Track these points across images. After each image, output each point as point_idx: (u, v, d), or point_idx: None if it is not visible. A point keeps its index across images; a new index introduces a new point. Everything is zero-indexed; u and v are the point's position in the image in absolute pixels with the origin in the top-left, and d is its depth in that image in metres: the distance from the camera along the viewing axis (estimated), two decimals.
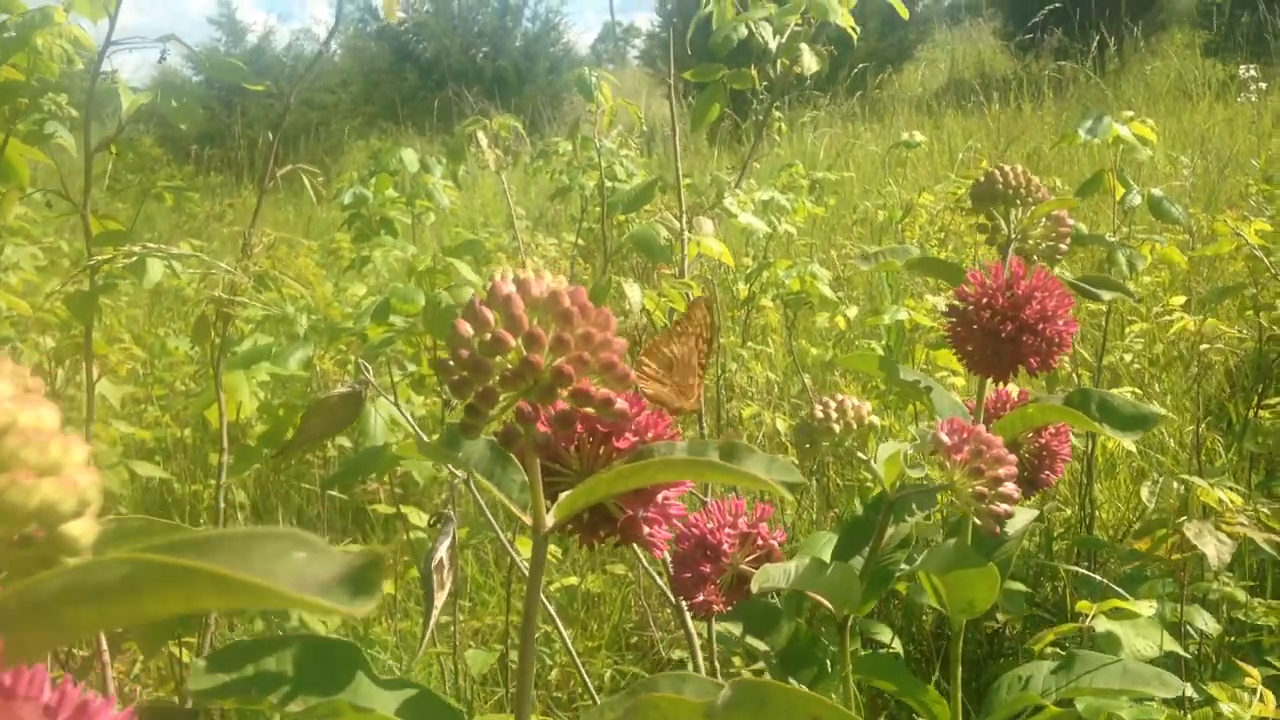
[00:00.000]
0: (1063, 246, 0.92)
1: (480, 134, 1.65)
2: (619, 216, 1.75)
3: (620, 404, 0.46)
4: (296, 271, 4.49)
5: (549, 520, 0.50)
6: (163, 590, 0.22)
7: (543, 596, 1.56)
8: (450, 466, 0.95)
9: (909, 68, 11.71)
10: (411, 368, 1.70)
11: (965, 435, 0.76)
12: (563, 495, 0.53)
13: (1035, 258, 0.95)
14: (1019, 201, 0.90)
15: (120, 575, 0.21)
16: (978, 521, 0.76)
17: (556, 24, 12.91)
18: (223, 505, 1.38)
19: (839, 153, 6.30)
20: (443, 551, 0.81)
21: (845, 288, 4.24)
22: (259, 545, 0.23)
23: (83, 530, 0.25)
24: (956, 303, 0.88)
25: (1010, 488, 0.75)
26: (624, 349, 0.46)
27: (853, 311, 2.84)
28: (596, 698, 1.43)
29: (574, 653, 1.31)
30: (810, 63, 1.68)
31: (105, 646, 1.41)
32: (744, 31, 1.81)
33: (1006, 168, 0.90)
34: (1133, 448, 1.96)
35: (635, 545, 0.58)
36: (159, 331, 3.60)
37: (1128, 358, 2.93)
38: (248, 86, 1.39)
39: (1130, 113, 2.51)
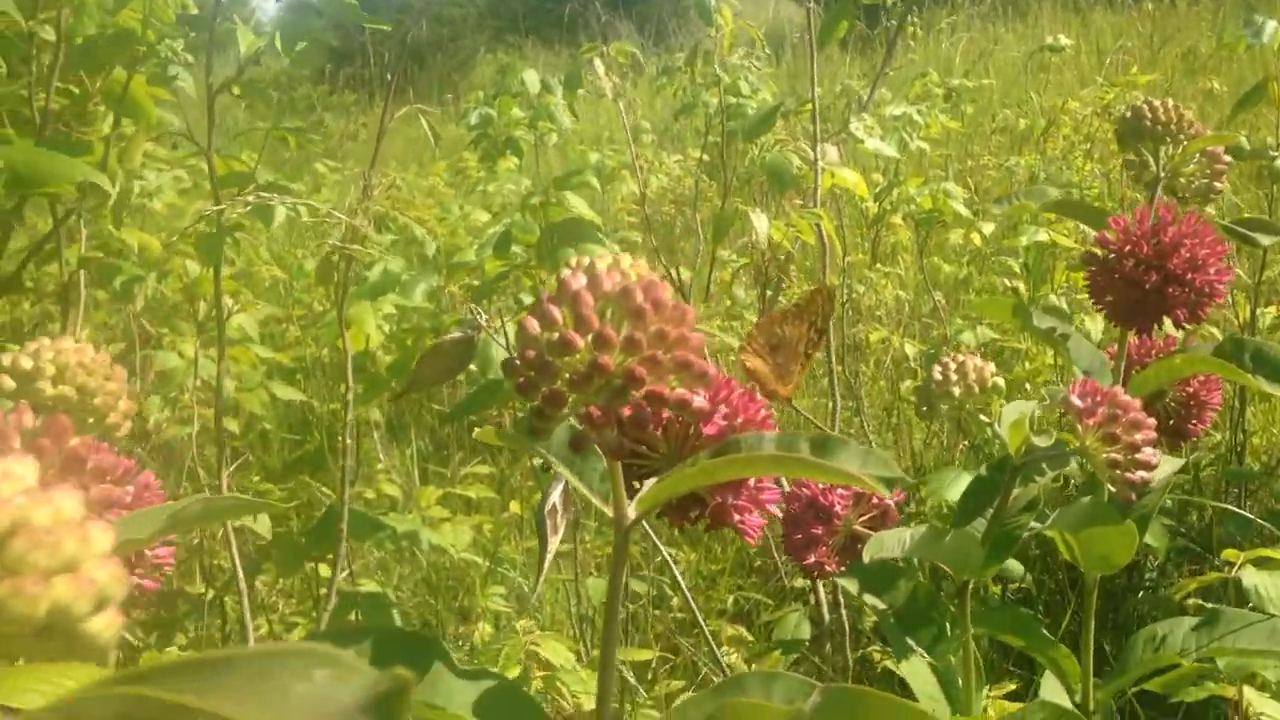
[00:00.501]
0: (1218, 185, 0.84)
1: (597, 61, 1.61)
2: (741, 142, 1.69)
3: (698, 402, 0.43)
4: (430, 188, 4.55)
5: (631, 512, 0.48)
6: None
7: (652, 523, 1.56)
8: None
9: None
10: (528, 299, 1.70)
11: (1099, 397, 0.70)
12: (647, 484, 0.50)
13: (1187, 197, 0.87)
14: (1169, 138, 0.82)
15: (112, 714, 0.20)
16: (1112, 489, 0.70)
17: None
18: (350, 441, 1.41)
19: (977, 57, 6.00)
20: (555, 496, 0.80)
21: (982, 200, 4.07)
22: (278, 664, 0.21)
23: (103, 626, 0.23)
24: (1096, 250, 0.82)
25: (1148, 453, 0.69)
26: (701, 344, 0.43)
27: (989, 228, 2.71)
28: (706, 629, 1.42)
29: (687, 591, 1.31)
30: None
31: (241, 569, 1.47)
32: None
33: (1155, 102, 0.82)
34: None
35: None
36: (298, 253, 3.70)
37: None
38: (368, 25, 1.38)
39: None
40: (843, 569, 0.79)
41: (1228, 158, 0.84)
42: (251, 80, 1.35)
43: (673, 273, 1.60)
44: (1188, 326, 0.80)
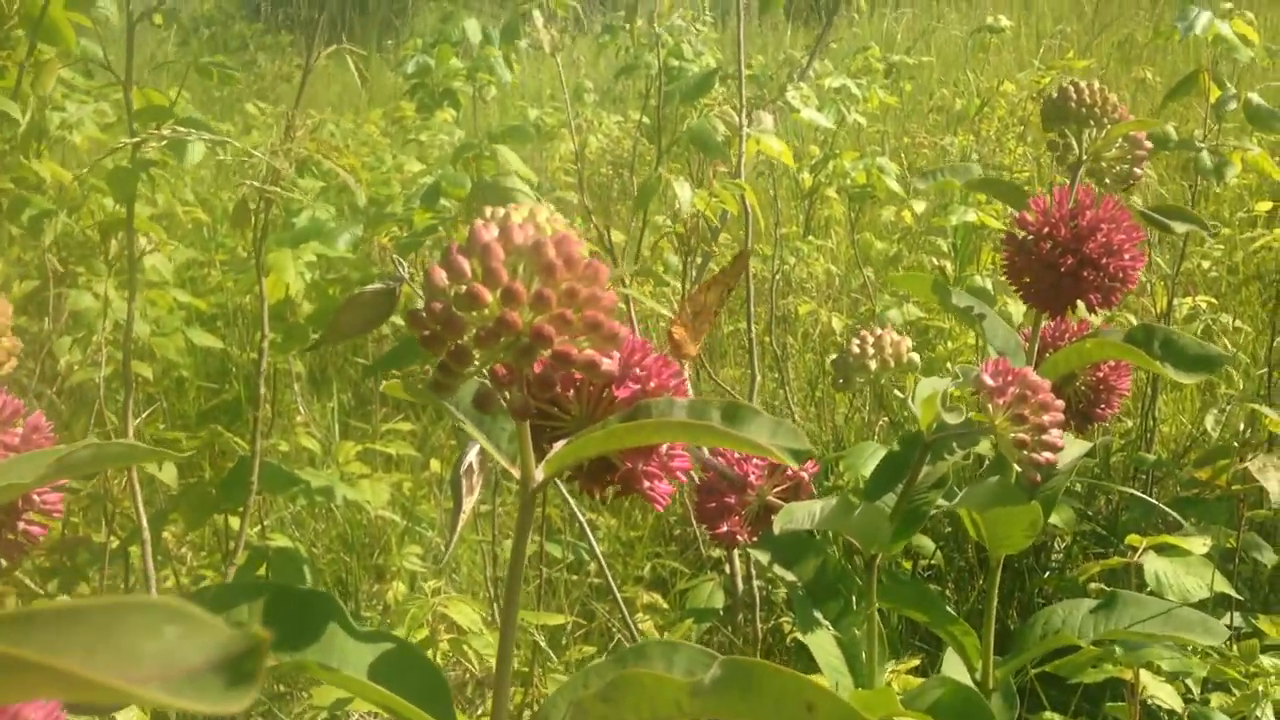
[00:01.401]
0: (1138, 170, 0.85)
1: (535, 13, 1.58)
2: (678, 105, 1.67)
3: (608, 364, 0.42)
4: (365, 137, 4.46)
5: (538, 474, 0.47)
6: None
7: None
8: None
9: None
10: None
11: (1010, 377, 0.71)
12: (557, 445, 0.49)
13: (1108, 181, 0.87)
14: (1093, 121, 0.82)
15: None
16: (1019, 469, 0.71)
17: None
18: (264, 390, 1.38)
19: (920, 34, 6.04)
20: (472, 456, 0.79)
21: (915, 179, 4.10)
22: (126, 619, 0.20)
23: None
24: (1016, 230, 0.82)
25: (1055, 435, 0.70)
26: (613, 304, 0.42)
27: (920, 206, 2.73)
28: (619, 598, 1.43)
29: (603, 559, 1.31)
30: None
31: (145, 523, 1.43)
32: None
33: (1082, 83, 0.83)
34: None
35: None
36: (223, 195, 3.61)
37: (1205, 264, 2.81)
38: None
39: (1229, 4, 2.34)
40: (754, 539, 0.79)
41: (1149, 144, 0.85)
42: (173, 10, 1.30)
43: (605, 233, 1.59)
44: (1101, 311, 0.81)
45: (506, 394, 0.41)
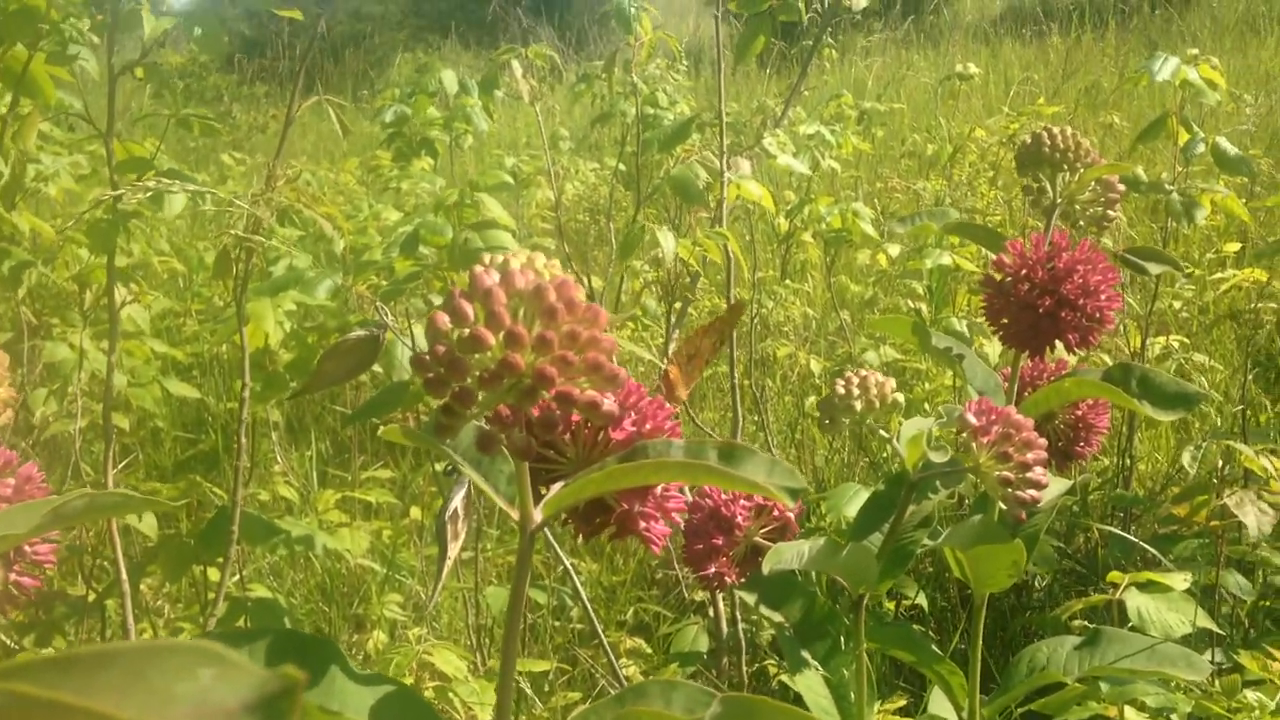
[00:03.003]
0: (1111, 213, 0.87)
1: (514, 63, 1.60)
2: (656, 153, 1.69)
3: (608, 405, 0.42)
4: (341, 186, 4.47)
5: (537, 515, 0.48)
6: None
7: (557, 534, 1.55)
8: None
9: None
10: (438, 301, 1.68)
11: (994, 416, 0.72)
12: (555, 487, 0.50)
13: (1082, 224, 0.89)
14: (1066, 165, 0.84)
15: None
16: (1003, 506, 0.72)
17: None
18: (245, 440, 1.37)
19: (890, 81, 6.14)
20: (457, 501, 0.79)
21: (889, 223, 4.15)
22: (160, 662, 0.20)
23: None
24: (993, 273, 0.84)
25: (1038, 473, 0.71)
26: (613, 347, 0.42)
27: (895, 250, 2.77)
28: (605, 642, 1.42)
29: (588, 603, 1.30)
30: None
31: (125, 574, 1.42)
32: None
33: (1055, 129, 0.85)
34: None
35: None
36: (199, 245, 3.60)
37: (1177, 304, 2.85)
38: (278, 12, 1.35)
39: (1195, 51, 2.39)
40: (742, 581, 0.79)
41: (1122, 186, 0.87)
42: (155, 64, 1.31)
43: (584, 280, 1.60)
44: (1079, 351, 0.82)
45: (508, 436, 0.41)
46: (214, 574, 1.76)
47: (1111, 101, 5.23)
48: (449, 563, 0.78)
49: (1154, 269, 0.86)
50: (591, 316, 0.42)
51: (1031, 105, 3.86)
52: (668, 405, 0.53)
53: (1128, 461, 2.04)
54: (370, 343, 0.92)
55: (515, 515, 0.47)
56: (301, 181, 3.64)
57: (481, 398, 0.41)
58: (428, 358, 0.41)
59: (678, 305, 1.78)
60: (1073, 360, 0.99)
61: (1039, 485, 0.70)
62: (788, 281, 2.96)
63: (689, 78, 5.61)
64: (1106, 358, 2.19)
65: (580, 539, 0.53)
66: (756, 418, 2.44)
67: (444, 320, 0.42)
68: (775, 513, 0.81)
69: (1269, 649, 1.12)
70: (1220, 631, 1.19)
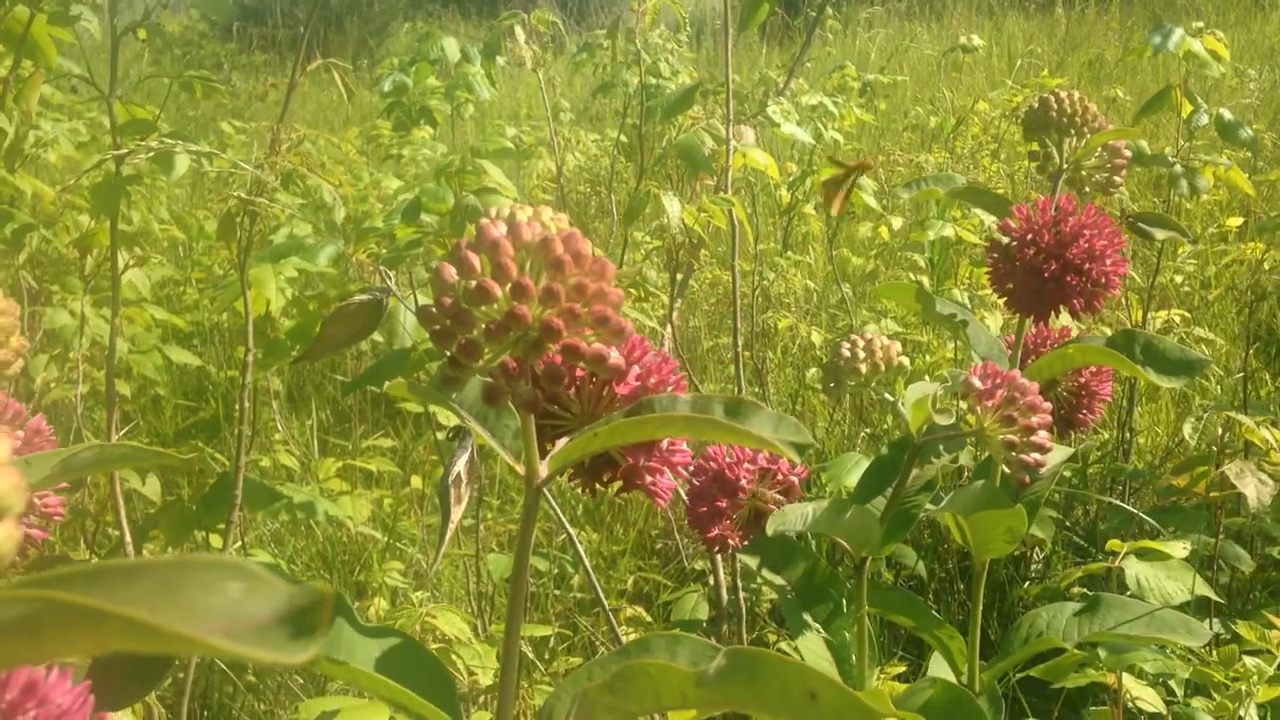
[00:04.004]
0: (1117, 179, 0.86)
1: (518, 29, 1.59)
2: (659, 122, 1.69)
3: (615, 358, 0.42)
4: (342, 155, 4.47)
5: (543, 470, 0.48)
6: (69, 632, 0.19)
7: (558, 503, 1.55)
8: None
9: None
10: None
11: (998, 380, 0.72)
12: (560, 443, 0.50)
13: (1088, 189, 0.89)
14: (1073, 130, 0.84)
15: (20, 614, 0.19)
16: (1007, 470, 0.72)
17: None
18: (247, 405, 1.37)
19: (893, 53, 6.10)
20: (460, 466, 0.79)
21: (891, 196, 4.15)
22: (190, 576, 0.20)
23: (2, 538, 0.22)
24: (1000, 237, 0.84)
25: (1043, 437, 0.71)
26: (620, 300, 0.42)
27: (897, 222, 2.76)
28: (606, 607, 1.43)
29: (590, 570, 1.31)
30: None
31: (129, 534, 1.42)
32: None
33: (1062, 93, 0.84)
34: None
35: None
36: (199, 214, 3.60)
37: (1179, 279, 2.85)
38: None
39: (1200, 24, 2.38)
40: (745, 544, 0.79)
41: (1128, 153, 0.87)
42: (157, 25, 1.30)
43: None
44: (1085, 317, 0.82)
45: (514, 389, 0.41)
46: (216, 540, 1.76)
47: (1115, 75, 5.20)
48: (451, 527, 0.79)
49: (1160, 235, 0.85)
50: (599, 269, 0.42)
51: (1035, 78, 3.84)
52: (673, 360, 0.53)
53: (1128, 435, 2.04)
54: (374, 306, 0.92)
55: (521, 470, 0.47)
56: (304, 148, 3.63)
57: (488, 350, 0.41)
58: (434, 309, 0.41)
59: (680, 277, 1.77)
60: (1076, 328, 0.99)
61: (1043, 449, 0.71)
62: (789, 254, 2.95)
63: (691, 49, 5.58)
64: (1108, 330, 2.19)
65: (586, 493, 0.53)
66: (757, 389, 2.45)
67: (450, 272, 0.42)
68: (779, 476, 0.82)
69: (1269, 616, 1.12)
70: (1219, 600, 1.20)
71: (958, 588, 1.90)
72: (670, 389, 0.53)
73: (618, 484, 0.54)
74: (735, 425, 0.45)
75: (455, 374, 0.41)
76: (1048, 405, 0.71)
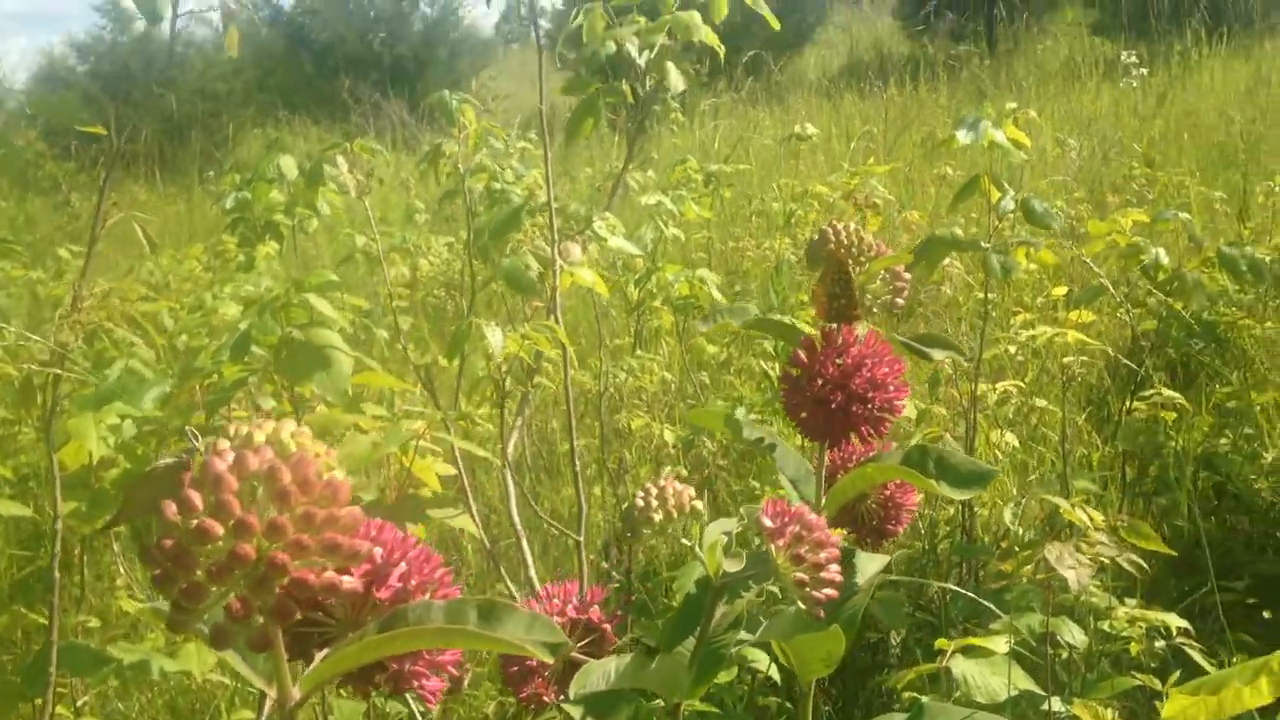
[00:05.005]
0: (899, 301, 0.91)
1: (340, 159, 1.59)
2: (487, 242, 1.70)
3: (349, 583, 0.42)
4: (187, 273, 4.36)
5: (296, 692, 0.47)
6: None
7: None
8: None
9: (809, 50, 11.77)
10: (271, 404, 1.64)
11: (788, 518, 0.74)
12: (318, 656, 0.49)
13: (875, 311, 0.93)
14: (852, 260, 0.88)
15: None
16: (802, 606, 0.74)
17: (456, 8, 12.69)
18: (56, 576, 1.31)
19: (738, 141, 6.31)
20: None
21: (742, 281, 4.25)
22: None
23: None
24: (790, 369, 0.87)
25: (833, 571, 0.73)
26: (354, 521, 0.42)
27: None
28: None
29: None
30: (677, 82, 1.65)
31: None
32: (612, 48, 1.78)
33: (840, 226, 0.89)
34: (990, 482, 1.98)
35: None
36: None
37: (1012, 349, 2.98)
38: (81, 129, 1.32)
39: (1014, 104, 2.53)
40: (561, 698, 0.79)
41: (908, 275, 0.91)
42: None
43: (423, 375, 1.59)
44: (875, 440, 0.85)
45: (243, 628, 0.41)
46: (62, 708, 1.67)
47: (946, 152, 5.47)
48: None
49: (938, 355, 0.90)
50: (330, 493, 0.42)
51: (865, 165, 4.02)
52: (437, 556, 0.53)
53: (968, 512, 2.11)
54: (179, 469, 0.89)
55: (273, 694, 0.46)
56: (143, 272, 3.52)
57: (214, 590, 0.41)
58: (155, 551, 0.40)
59: (522, 390, 1.78)
60: (879, 441, 1.03)
61: (834, 584, 0.72)
62: (639, 352, 2.99)
63: (538, 145, 5.65)
64: (943, 409, 2.27)
65: (359, 698, 0.52)
66: (621, 489, 2.45)
67: (172, 510, 0.41)
68: (590, 623, 0.82)
69: (1094, 705, 1.16)
70: (1040, 692, 1.23)
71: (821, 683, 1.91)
72: (435, 585, 0.52)
73: (388, 686, 0.53)
74: (485, 633, 0.45)
75: (180, 618, 0.40)
76: (835, 540, 0.73)
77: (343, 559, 0.42)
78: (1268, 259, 2.37)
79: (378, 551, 0.51)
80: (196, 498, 0.41)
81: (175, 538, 0.41)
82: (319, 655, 0.48)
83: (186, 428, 1.06)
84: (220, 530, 0.40)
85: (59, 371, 1.04)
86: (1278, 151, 4.83)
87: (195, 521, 0.40)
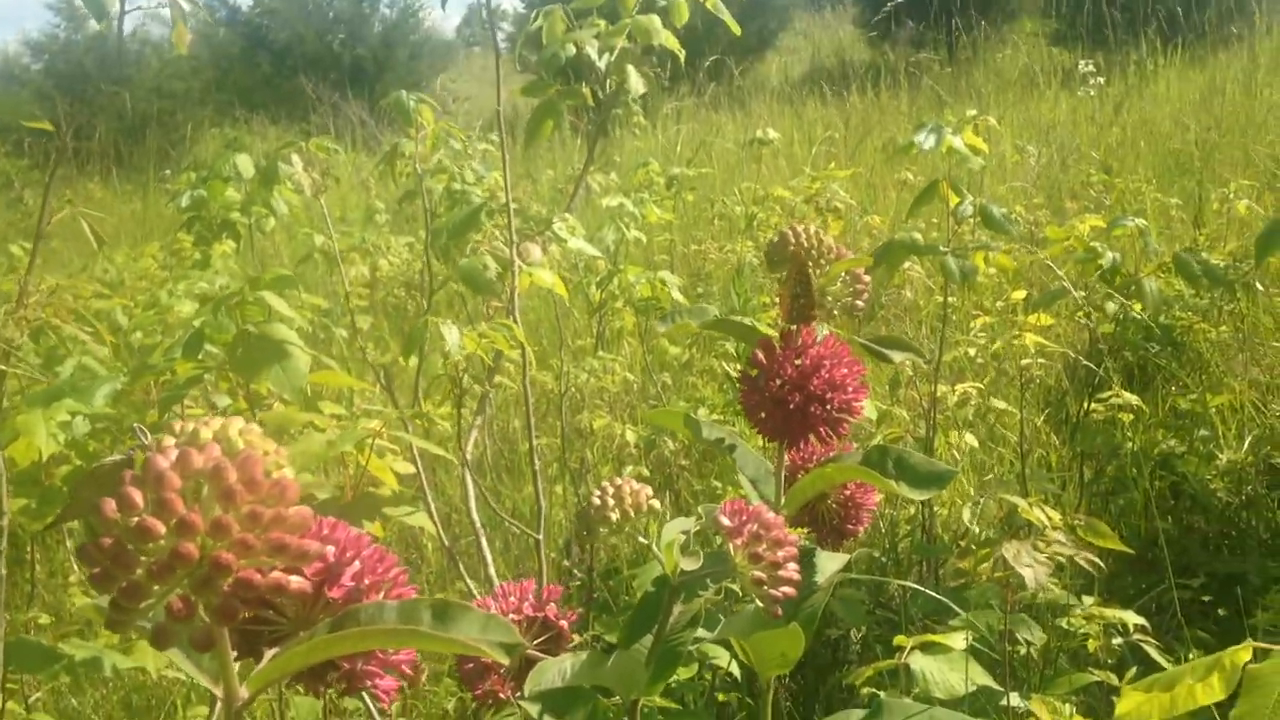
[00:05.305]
0: (859, 303, 0.91)
1: (295, 158, 1.57)
2: (444, 243, 1.69)
3: (297, 583, 0.41)
4: (143, 271, 4.30)
5: (243, 693, 0.46)
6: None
7: None
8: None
9: (772, 56, 11.82)
10: (226, 401, 1.62)
11: (745, 517, 0.74)
12: (268, 655, 0.48)
13: (835, 313, 0.93)
14: (812, 262, 0.88)
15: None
16: (760, 605, 0.74)
17: (416, 10, 12.61)
18: (2, 572, 1.28)
19: (700, 144, 6.32)
20: None
21: (705, 284, 4.25)
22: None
23: None
24: (749, 370, 0.86)
25: (791, 570, 0.73)
26: (302, 522, 0.42)
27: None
28: None
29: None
30: (637, 85, 1.65)
31: None
32: (572, 50, 1.77)
33: (800, 228, 0.89)
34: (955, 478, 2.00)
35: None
36: None
37: (972, 351, 3.00)
38: (28, 125, 1.29)
39: (974, 111, 2.55)
40: (518, 695, 0.78)
41: (867, 278, 0.92)
42: None
43: (380, 376, 1.57)
44: (834, 440, 0.85)
45: (185, 628, 0.40)
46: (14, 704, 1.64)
47: (904, 159, 5.50)
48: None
49: (897, 357, 0.90)
50: (278, 493, 0.41)
51: (826, 169, 4.03)
52: (391, 555, 0.52)
53: (928, 511, 2.12)
54: (124, 467, 0.88)
55: (219, 693, 0.45)
56: (98, 270, 3.47)
57: (156, 590, 0.40)
58: (93, 550, 0.39)
59: (480, 389, 1.77)
60: (840, 442, 1.03)
61: (792, 583, 0.72)
62: (601, 353, 2.98)
63: (499, 148, 5.63)
64: (904, 412, 2.29)
65: (312, 695, 0.51)
66: (583, 488, 2.45)
67: (111, 508, 0.40)
68: (548, 620, 0.81)
69: (1051, 701, 1.17)
70: (999, 688, 1.24)
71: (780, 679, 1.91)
72: (389, 584, 0.52)
73: (341, 685, 0.52)
74: (439, 634, 0.45)
75: (119, 618, 0.39)
76: (794, 539, 0.73)
77: (291, 558, 0.41)
78: (1222, 264, 2.41)
79: (330, 550, 0.50)
80: (137, 495, 0.40)
81: (115, 536, 0.40)
82: (269, 654, 0.47)
83: (135, 425, 1.04)
84: (162, 529, 0.39)
85: (4, 368, 1.02)
86: (1232, 160, 4.90)
87: (136, 519, 0.39)
